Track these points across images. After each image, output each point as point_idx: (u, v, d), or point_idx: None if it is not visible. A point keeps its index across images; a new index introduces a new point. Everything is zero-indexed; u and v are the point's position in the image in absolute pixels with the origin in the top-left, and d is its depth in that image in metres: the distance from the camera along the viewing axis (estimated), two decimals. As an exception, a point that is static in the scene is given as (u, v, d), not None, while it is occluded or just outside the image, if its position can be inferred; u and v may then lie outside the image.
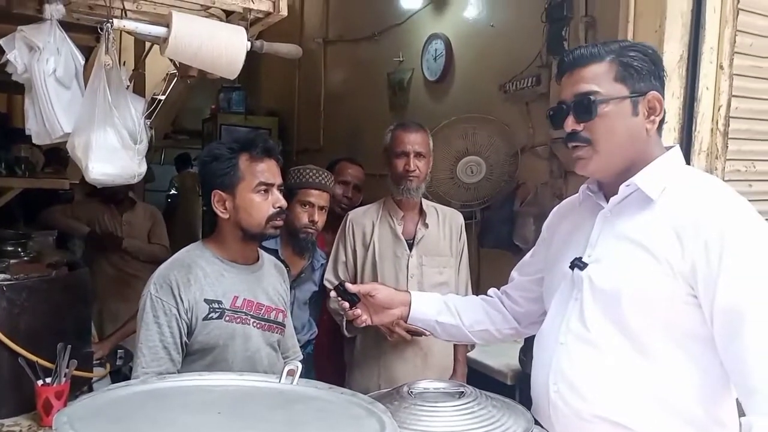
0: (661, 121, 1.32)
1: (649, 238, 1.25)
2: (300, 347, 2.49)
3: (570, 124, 1.31)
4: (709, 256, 1.18)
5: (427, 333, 1.97)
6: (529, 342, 2.44)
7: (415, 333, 2.29)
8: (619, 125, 1.27)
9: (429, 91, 4.13)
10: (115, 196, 3.65)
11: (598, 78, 1.27)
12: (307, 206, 2.37)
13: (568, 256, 1.39)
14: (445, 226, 2.49)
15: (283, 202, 1.73)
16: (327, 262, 2.55)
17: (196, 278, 1.65)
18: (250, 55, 2.03)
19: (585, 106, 1.27)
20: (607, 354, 1.28)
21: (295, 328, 2.48)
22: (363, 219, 2.49)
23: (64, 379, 1.78)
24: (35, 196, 3.61)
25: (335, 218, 2.66)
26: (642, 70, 1.27)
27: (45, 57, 1.83)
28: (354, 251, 2.47)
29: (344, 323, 2.36)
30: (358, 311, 1.57)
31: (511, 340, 1.79)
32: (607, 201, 1.36)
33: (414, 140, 2.37)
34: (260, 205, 1.69)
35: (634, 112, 1.27)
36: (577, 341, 1.32)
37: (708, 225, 1.19)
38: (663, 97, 1.30)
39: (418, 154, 2.37)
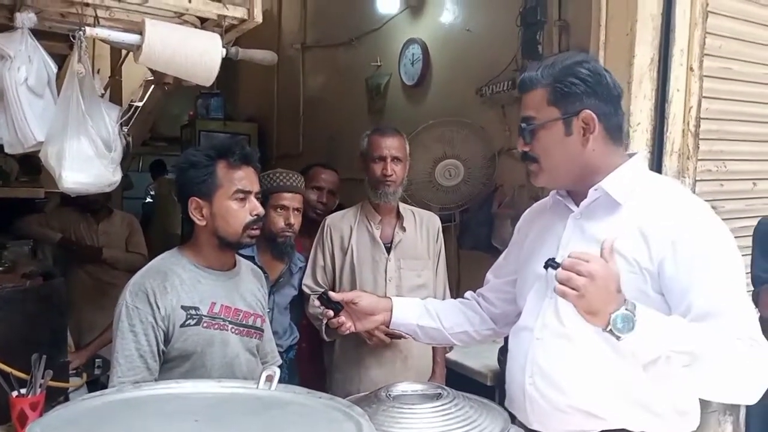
0: (614, 130, 1.37)
1: (618, 239, 1.29)
2: (282, 352, 2.48)
3: (520, 145, 1.42)
4: (676, 255, 1.25)
5: (406, 336, 1.98)
6: (508, 343, 2.46)
7: (394, 336, 2.30)
8: (554, 145, 1.37)
9: (406, 95, 4.15)
10: (90, 205, 3.62)
11: (535, 104, 1.38)
12: (282, 210, 2.36)
13: (540, 256, 1.43)
14: (422, 229, 2.50)
15: (261, 210, 1.73)
16: (305, 265, 2.54)
17: (173, 285, 1.65)
18: (228, 61, 2.03)
19: (524, 131, 1.39)
20: (581, 347, 1.34)
21: (276, 333, 2.47)
22: (341, 223, 2.50)
23: (39, 390, 1.76)
24: (10, 206, 3.56)
25: (310, 223, 2.66)
26: (573, 93, 1.33)
27: (16, 65, 1.82)
28: (332, 256, 2.47)
29: (324, 328, 2.36)
30: (342, 319, 1.59)
31: (490, 340, 1.82)
32: (577, 205, 1.42)
33: (391, 145, 2.39)
34: (237, 213, 1.69)
35: (567, 131, 1.35)
36: (552, 336, 1.38)
37: (671, 226, 1.27)
38: (615, 109, 1.36)
39: (395, 159, 2.38)
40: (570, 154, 1.36)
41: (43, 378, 1.76)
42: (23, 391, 1.75)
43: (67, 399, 2.08)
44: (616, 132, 1.38)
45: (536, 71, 1.37)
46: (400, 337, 2.25)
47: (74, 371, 2.34)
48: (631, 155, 1.41)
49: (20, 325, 1.90)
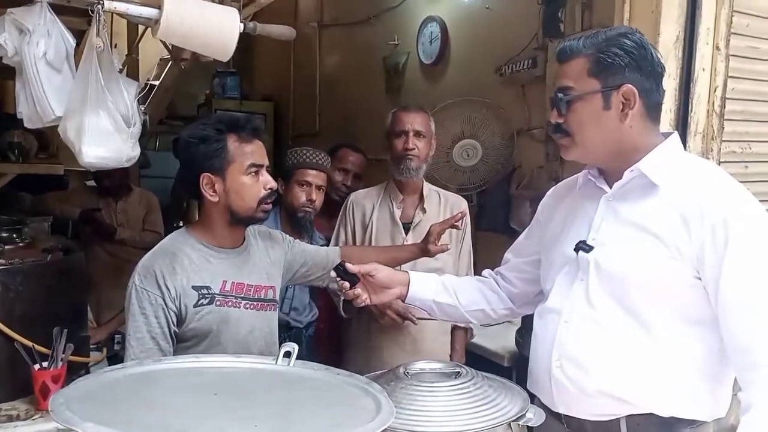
0: (653, 107, 1.33)
1: (656, 223, 1.28)
2: (302, 329, 2.51)
3: (553, 116, 1.36)
4: (716, 240, 1.21)
5: (416, 321, 1.95)
6: (526, 324, 2.45)
7: (406, 318, 2.28)
8: (591, 118, 1.32)
9: (425, 74, 4.11)
10: (111, 189, 3.66)
11: (574, 74, 1.32)
12: (305, 186, 2.41)
13: (569, 238, 1.41)
14: (445, 212, 2.46)
15: (274, 184, 1.72)
16: (326, 243, 2.54)
17: (182, 266, 1.64)
18: (245, 39, 2.01)
19: (560, 102, 1.33)
20: (611, 331, 1.32)
21: (296, 309, 2.49)
22: (364, 200, 2.49)
23: (60, 363, 1.78)
24: (29, 183, 3.59)
25: (332, 204, 2.66)
26: (616, 65, 1.29)
27: (35, 40, 1.82)
28: (353, 232, 2.47)
29: (341, 304, 2.35)
30: (358, 291, 1.57)
31: (506, 320, 1.81)
32: (609, 185, 1.38)
33: (413, 119, 2.37)
34: (252, 188, 1.67)
35: (606, 105, 1.30)
36: (582, 320, 1.35)
37: (713, 210, 1.23)
38: (656, 86, 1.32)
39: (417, 133, 2.36)
40: (606, 129, 1.31)
41: (64, 352, 1.79)
42: (45, 364, 1.78)
43: (88, 373, 2.11)
44: (655, 110, 1.34)
45: (578, 40, 1.32)
46: (411, 320, 2.25)
47: (95, 346, 2.37)
48: (666, 135, 1.36)
49: (41, 299, 1.92)
